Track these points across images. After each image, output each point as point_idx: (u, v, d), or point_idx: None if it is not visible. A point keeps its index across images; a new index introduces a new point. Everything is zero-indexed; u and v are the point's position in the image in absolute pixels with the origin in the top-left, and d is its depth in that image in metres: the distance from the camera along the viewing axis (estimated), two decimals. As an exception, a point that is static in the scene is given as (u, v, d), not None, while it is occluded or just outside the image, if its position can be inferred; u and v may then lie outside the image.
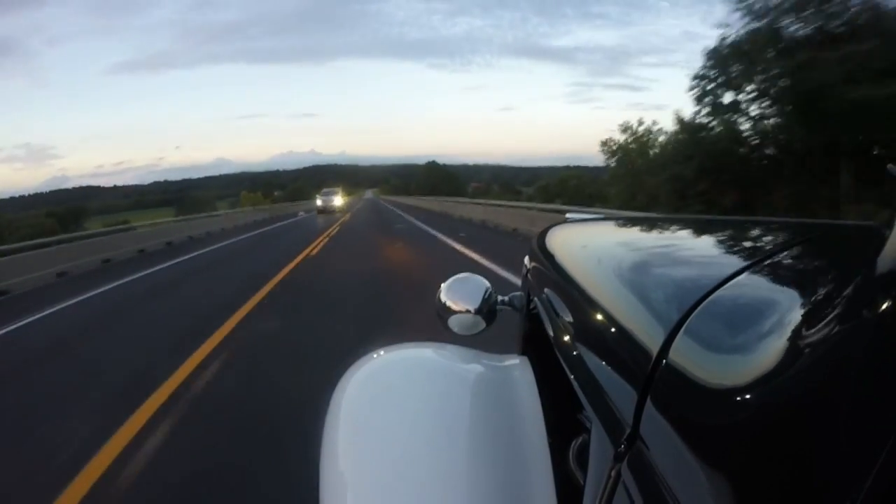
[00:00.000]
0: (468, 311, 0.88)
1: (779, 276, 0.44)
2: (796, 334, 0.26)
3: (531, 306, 0.89)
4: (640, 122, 23.60)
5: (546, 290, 0.76)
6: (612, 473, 0.36)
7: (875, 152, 11.32)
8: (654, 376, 0.35)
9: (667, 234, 0.96)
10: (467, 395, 0.56)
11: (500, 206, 15.65)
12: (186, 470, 2.18)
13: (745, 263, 0.45)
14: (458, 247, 9.41)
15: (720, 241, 0.80)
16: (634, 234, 1.01)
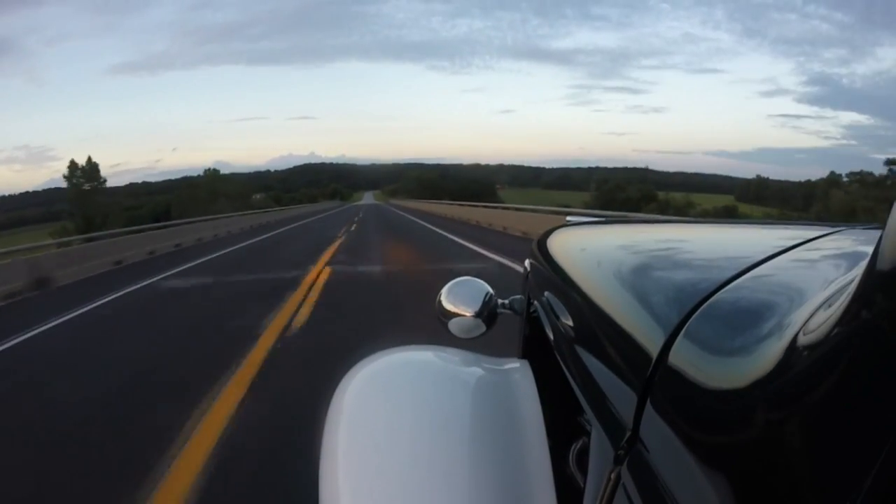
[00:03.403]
0: (468, 315, 0.89)
1: (779, 278, 0.44)
2: (796, 336, 0.26)
3: (531, 310, 0.89)
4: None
5: (546, 293, 0.76)
6: (612, 476, 0.36)
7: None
8: (653, 379, 0.35)
9: (666, 236, 0.97)
10: (467, 399, 0.56)
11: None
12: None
13: (744, 266, 0.45)
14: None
15: (720, 244, 0.80)
16: (634, 237, 1.01)
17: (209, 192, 58.00)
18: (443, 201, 37.52)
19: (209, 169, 64.92)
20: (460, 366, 0.64)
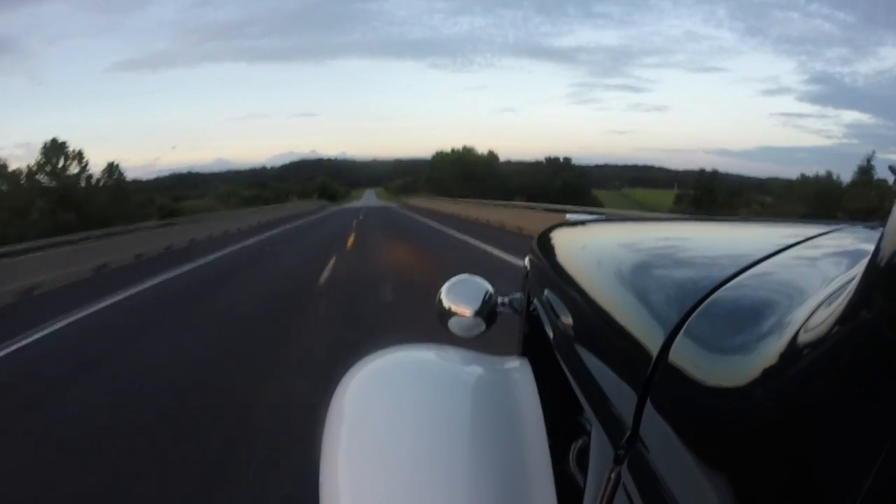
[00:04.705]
0: (468, 313, 0.88)
1: (779, 276, 0.44)
2: (796, 335, 0.26)
3: (531, 308, 0.89)
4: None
5: (546, 291, 0.76)
6: (612, 475, 0.36)
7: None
8: (653, 378, 0.35)
9: (667, 234, 0.96)
10: (467, 397, 0.56)
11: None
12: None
13: (745, 264, 0.45)
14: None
15: (720, 242, 0.80)
16: (634, 235, 1.01)
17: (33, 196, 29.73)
18: (510, 202, 21.52)
19: (49, 143, 32.96)
20: (460, 364, 0.64)
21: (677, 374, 0.34)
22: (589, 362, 0.49)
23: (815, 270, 0.42)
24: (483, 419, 0.53)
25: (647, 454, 0.33)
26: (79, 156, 34.40)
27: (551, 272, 0.79)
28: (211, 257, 11.38)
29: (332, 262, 9.37)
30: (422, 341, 0.67)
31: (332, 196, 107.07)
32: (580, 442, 0.58)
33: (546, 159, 67.15)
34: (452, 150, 73.86)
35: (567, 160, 66.32)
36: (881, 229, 0.20)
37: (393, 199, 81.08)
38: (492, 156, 73.26)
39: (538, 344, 0.79)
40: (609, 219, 1.47)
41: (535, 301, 0.83)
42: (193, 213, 28.29)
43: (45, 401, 3.43)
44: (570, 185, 55.79)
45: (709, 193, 45.33)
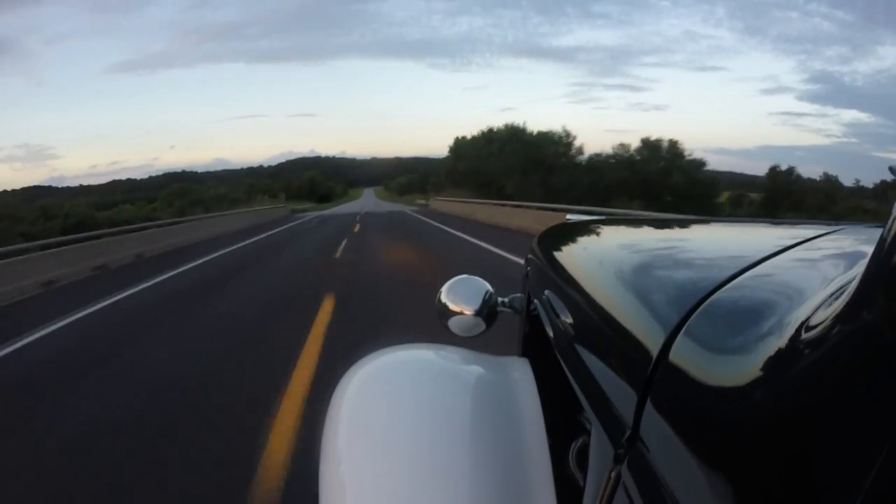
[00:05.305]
0: (468, 313, 0.89)
1: (779, 277, 0.44)
2: (796, 335, 0.26)
3: (531, 308, 0.89)
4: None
5: (546, 291, 0.76)
6: (612, 475, 0.36)
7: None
8: (654, 378, 0.35)
9: (667, 235, 0.97)
10: (467, 397, 0.56)
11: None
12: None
13: (745, 265, 0.45)
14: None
15: (721, 243, 0.80)
16: (635, 235, 1.01)
17: None
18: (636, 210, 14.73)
19: None
20: (460, 364, 0.64)
21: (677, 374, 0.34)
22: (589, 362, 0.49)
23: (815, 271, 0.42)
24: (483, 418, 0.53)
25: (646, 454, 0.33)
26: None
27: (552, 272, 0.80)
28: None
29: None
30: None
31: (324, 196, 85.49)
32: (580, 441, 0.58)
33: (643, 142, 34.46)
34: (493, 129, 42.18)
35: (674, 143, 34.25)
36: (881, 230, 0.20)
37: (397, 200, 61.87)
38: (564, 137, 38.36)
39: (538, 344, 0.79)
40: (610, 219, 1.47)
41: (536, 301, 0.83)
42: (114, 224, 16.43)
43: None
44: (695, 184, 32.38)
45: (787, 196, 31.43)
